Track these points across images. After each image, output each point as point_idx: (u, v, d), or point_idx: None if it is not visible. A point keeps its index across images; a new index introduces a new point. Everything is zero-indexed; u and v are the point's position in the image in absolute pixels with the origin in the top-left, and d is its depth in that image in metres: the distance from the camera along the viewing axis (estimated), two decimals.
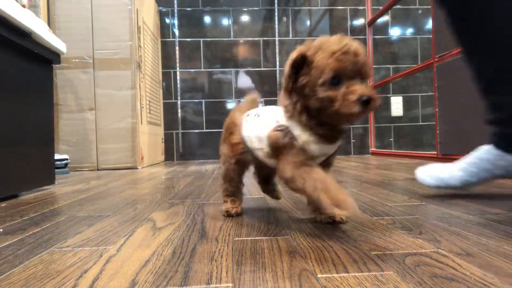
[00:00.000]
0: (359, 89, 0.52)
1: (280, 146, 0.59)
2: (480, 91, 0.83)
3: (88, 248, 0.53)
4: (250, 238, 0.55)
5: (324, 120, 0.56)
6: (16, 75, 1.09)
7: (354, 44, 0.53)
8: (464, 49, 0.84)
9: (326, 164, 0.62)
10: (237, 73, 2.98)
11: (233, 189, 0.75)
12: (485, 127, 0.88)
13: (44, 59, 1.25)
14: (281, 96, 0.60)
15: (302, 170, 0.55)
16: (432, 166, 0.90)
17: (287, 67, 0.55)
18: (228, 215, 0.73)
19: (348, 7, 2.99)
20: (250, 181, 1.31)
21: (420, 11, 3.06)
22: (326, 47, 0.53)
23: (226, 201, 0.76)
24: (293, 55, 0.55)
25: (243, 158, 0.71)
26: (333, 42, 0.54)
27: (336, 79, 0.52)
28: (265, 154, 0.63)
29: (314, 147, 0.57)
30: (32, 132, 1.18)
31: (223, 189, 0.77)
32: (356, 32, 2.99)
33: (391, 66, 3.06)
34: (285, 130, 0.58)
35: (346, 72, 0.52)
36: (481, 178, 0.83)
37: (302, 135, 0.57)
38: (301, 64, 0.55)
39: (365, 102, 0.52)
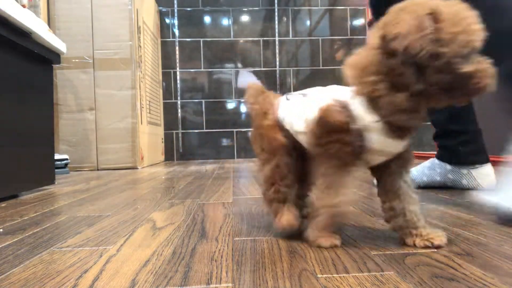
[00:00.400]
0: (487, 64, 0.44)
1: (329, 129, 0.47)
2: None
3: (88, 248, 0.53)
4: (250, 238, 0.55)
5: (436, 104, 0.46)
6: (16, 75, 1.09)
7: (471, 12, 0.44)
8: None
9: (388, 171, 0.51)
10: (237, 73, 2.98)
11: (286, 189, 0.56)
12: (485, 127, 0.99)
13: (44, 59, 1.25)
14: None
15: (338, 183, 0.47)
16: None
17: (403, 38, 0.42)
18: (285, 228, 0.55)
19: (348, 7, 2.99)
20: (250, 181, 1.31)
21: None
22: (451, 15, 0.42)
23: (278, 211, 0.56)
24: (424, 15, 0.42)
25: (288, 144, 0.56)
26: (456, 7, 0.43)
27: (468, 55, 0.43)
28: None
29: (377, 138, 0.46)
30: (32, 132, 1.18)
31: (270, 196, 0.57)
32: (356, 32, 2.99)
33: None
34: (343, 106, 0.47)
35: (478, 48, 0.43)
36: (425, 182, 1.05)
37: (365, 117, 0.46)
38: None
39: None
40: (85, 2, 2.15)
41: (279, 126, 0.57)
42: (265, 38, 2.99)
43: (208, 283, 0.39)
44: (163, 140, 2.89)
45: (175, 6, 2.92)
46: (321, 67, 3.00)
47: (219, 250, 0.50)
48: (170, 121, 2.92)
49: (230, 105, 2.97)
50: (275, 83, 2.99)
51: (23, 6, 1.20)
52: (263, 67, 2.99)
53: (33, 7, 1.46)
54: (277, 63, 2.99)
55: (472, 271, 0.39)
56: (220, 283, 0.38)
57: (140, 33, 2.28)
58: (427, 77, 0.43)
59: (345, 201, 0.48)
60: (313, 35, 3.02)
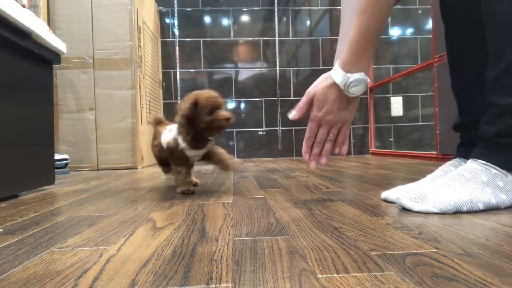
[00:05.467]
0: (225, 113, 0.99)
1: (169, 150, 1.08)
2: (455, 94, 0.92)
3: (88, 248, 0.53)
4: (250, 238, 0.55)
5: (198, 137, 1.03)
6: (16, 75, 1.09)
7: (213, 93, 1.02)
8: (448, 52, 0.93)
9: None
10: (237, 73, 2.98)
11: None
12: None
13: (44, 59, 1.25)
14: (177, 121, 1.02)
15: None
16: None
17: (187, 104, 0.99)
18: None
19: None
20: (250, 181, 1.31)
21: (420, 11, 3.06)
22: (200, 97, 1.00)
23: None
24: (191, 98, 1.01)
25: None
26: (202, 95, 1.00)
27: (211, 111, 0.99)
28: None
29: (189, 151, 1.05)
30: (32, 132, 1.18)
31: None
32: None
33: (391, 66, 3.06)
34: (175, 139, 1.06)
35: (216, 106, 0.99)
36: None
37: (182, 144, 1.04)
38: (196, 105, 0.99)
39: (228, 119, 0.99)
40: (85, 2, 2.15)
41: (161, 146, 1.14)
42: (265, 38, 2.99)
43: (208, 283, 0.39)
44: None
45: (175, 6, 2.92)
46: (321, 67, 3.00)
47: (219, 250, 0.50)
48: (170, 121, 2.92)
49: (230, 105, 2.97)
50: (275, 83, 2.99)
51: (23, 6, 1.20)
52: (263, 67, 2.99)
53: (33, 7, 1.46)
54: (277, 63, 2.99)
55: (472, 271, 0.39)
56: (220, 283, 0.38)
57: (140, 33, 2.28)
58: (196, 125, 1.00)
59: (180, 177, 1.07)
60: (313, 35, 3.02)
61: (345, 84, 0.77)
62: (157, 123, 1.28)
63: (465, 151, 0.85)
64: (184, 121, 1.00)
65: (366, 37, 0.76)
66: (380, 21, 0.76)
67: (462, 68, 0.89)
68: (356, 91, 0.78)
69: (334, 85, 0.79)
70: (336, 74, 0.79)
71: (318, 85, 0.81)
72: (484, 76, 0.76)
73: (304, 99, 0.83)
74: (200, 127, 0.99)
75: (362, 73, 0.77)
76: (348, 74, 0.77)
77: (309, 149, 0.85)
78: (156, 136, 1.21)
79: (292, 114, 0.83)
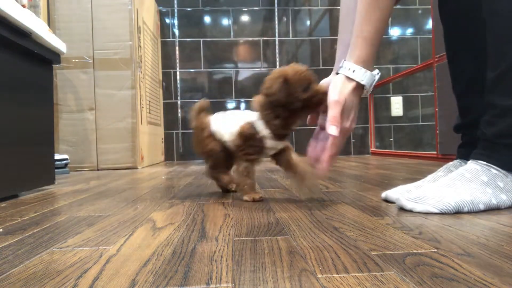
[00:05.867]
0: (319, 86, 0.82)
1: (244, 138, 0.87)
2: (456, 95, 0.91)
3: (88, 248, 0.53)
4: (250, 238, 0.55)
5: (288, 122, 0.84)
6: (16, 75, 1.09)
7: (302, 67, 0.81)
8: (448, 54, 0.92)
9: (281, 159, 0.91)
10: (237, 73, 2.98)
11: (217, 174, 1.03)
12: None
13: (44, 59, 1.25)
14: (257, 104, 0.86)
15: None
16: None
17: (276, 83, 0.80)
18: None
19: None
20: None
21: (420, 11, 3.06)
22: (290, 74, 0.80)
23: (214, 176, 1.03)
24: (281, 76, 0.80)
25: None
26: (292, 69, 0.81)
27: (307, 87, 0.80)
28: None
29: (269, 142, 0.86)
30: (32, 132, 1.18)
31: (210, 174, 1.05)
32: None
33: (391, 66, 3.06)
34: (252, 125, 0.86)
35: (308, 83, 0.81)
36: None
37: (263, 131, 0.85)
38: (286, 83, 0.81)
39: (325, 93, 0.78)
40: (85, 2, 2.15)
41: (212, 136, 0.95)
42: (265, 38, 2.99)
43: (208, 283, 0.39)
44: (163, 140, 2.89)
45: (175, 6, 2.92)
46: (321, 67, 3.00)
47: (219, 250, 0.50)
48: (170, 121, 2.92)
49: (230, 105, 2.97)
50: None
51: (23, 6, 1.20)
52: (263, 67, 2.99)
53: (33, 7, 1.46)
54: (277, 63, 2.99)
55: (472, 271, 0.39)
56: (220, 283, 0.38)
57: (140, 33, 2.28)
58: (290, 105, 0.81)
59: (246, 180, 0.89)
60: (313, 35, 3.02)
61: (372, 83, 0.74)
62: (201, 111, 1.02)
63: (466, 152, 0.84)
64: (272, 103, 0.81)
65: (381, 31, 0.74)
66: (390, 12, 0.74)
67: (462, 69, 0.89)
68: (371, 90, 0.76)
69: (358, 87, 0.74)
70: (360, 75, 0.73)
71: (343, 91, 0.73)
72: (484, 77, 0.76)
73: (337, 110, 0.73)
74: (296, 106, 0.80)
75: (377, 71, 0.76)
76: (374, 72, 0.74)
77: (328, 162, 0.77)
78: (203, 126, 0.97)
79: (335, 131, 0.72)
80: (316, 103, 0.80)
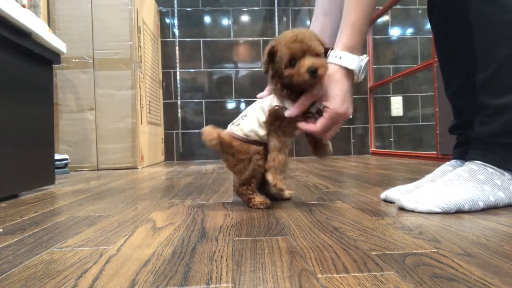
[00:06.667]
0: (307, 62, 0.70)
1: (276, 117, 0.77)
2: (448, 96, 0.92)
3: (88, 248, 0.53)
4: (250, 238, 0.55)
5: (297, 90, 0.75)
6: (16, 75, 1.09)
7: (299, 34, 0.71)
8: (439, 58, 0.93)
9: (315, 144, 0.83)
10: (237, 73, 2.98)
11: (254, 185, 0.83)
12: None
13: (44, 59, 1.25)
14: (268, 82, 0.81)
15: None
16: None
17: (264, 56, 0.76)
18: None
19: None
20: None
21: (420, 11, 3.06)
22: (282, 40, 0.73)
23: (250, 198, 0.82)
24: (267, 48, 0.75)
25: None
26: (284, 36, 0.73)
27: (293, 61, 0.71)
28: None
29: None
30: (32, 132, 1.18)
31: (241, 191, 0.83)
32: None
33: (391, 66, 3.06)
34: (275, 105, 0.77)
35: (297, 54, 0.71)
36: None
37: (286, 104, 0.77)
38: (273, 55, 0.75)
39: (312, 71, 0.69)
40: (85, 2, 2.15)
41: (245, 140, 0.80)
42: (265, 38, 2.99)
43: (208, 283, 0.39)
44: (163, 140, 2.89)
45: (175, 6, 2.92)
46: None
47: (219, 250, 0.50)
48: (170, 121, 2.92)
49: (230, 105, 2.97)
50: None
51: (23, 6, 1.20)
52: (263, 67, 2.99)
53: (33, 7, 1.46)
54: None
55: (472, 271, 0.39)
56: (220, 283, 0.38)
57: (140, 33, 2.28)
58: (281, 79, 0.75)
59: (285, 159, 0.77)
60: None
61: (360, 69, 0.74)
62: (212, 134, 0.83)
63: (461, 153, 0.86)
64: (268, 75, 0.78)
65: (369, 17, 0.75)
66: None
67: (453, 72, 0.90)
68: (363, 76, 0.76)
69: (348, 73, 0.74)
70: (348, 60, 0.73)
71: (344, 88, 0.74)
72: (475, 78, 0.77)
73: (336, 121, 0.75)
74: (285, 82, 0.75)
75: (366, 55, 0.76)
76: (361, 56, 0.74)
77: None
78: (227, 140, 0.81)
79: (291, 112, 0.75)
80: (297, 83, 0.72)
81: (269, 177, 0.77)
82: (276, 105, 0.77)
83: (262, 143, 0.80)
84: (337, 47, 0.75)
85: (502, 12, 0.71)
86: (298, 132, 0.78)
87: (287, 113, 0.75)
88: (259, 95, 0.83)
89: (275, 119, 0.77)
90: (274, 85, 0.77)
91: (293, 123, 0.77)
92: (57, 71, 2.11)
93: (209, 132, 0.81)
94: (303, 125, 0.76)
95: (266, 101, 0.79)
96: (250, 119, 0.80)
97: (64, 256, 0.49)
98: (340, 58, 0.74)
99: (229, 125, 0.83)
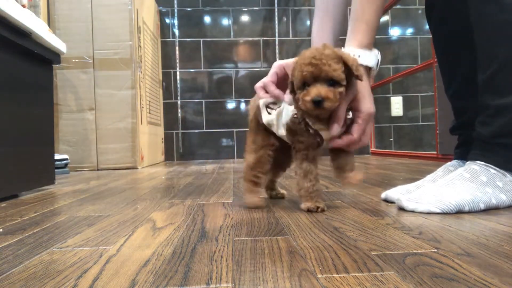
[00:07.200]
0: (314, 91, 0.64)
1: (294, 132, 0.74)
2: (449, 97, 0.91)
3: (88, 248, 0.53)
4: (250, 238, 0.55)
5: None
6: (16, 75, 1.09)
7: (316, 55, 0.64)
8: (438, 58, 0.93)
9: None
10: (237, 73, 2.98)
11: (261, 175, 0.81)
12: None
13: (44, 59, 1.25)
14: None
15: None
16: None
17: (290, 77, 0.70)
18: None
19: (349, 7, 2.98)
20: None
21: (420, 11, 3.06)
22: (300, 59, 0.67)
23: (249, 191, 0.81)
24: (292, 65, 0.69)
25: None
26: (302, 55, 0.67)
27: (305, 85, 0.66)
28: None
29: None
30: (32, 132, 1.18)
31: (248, 177, 0.82)
32: None
33: (391, 66, 3.06)
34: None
35: (308, 79, 0.65)
36: None
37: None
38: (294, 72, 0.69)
39: (316, 102, 0.64)
40: (85, 2, 2.15)
41: (267, 129, 0.79)
42: (265, 38, 2.99)
43: (208, 283, 0.39)
44: (163, 140, 2.89)
45: (175, 6, 2.92)
46: None
47: (219, 250, 0.50)
48: (170, 121, 2.92)
49: (230, 105, 2.97)
50: None
51: (23, 6, 1.20)
52: (263, 67, 2.99)
53: (33, 7, 1.46)
54: None
55: (472, 271, 0.39)
56: (220, 283, 0.38)
57: (140, 33, 2.28)
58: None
59: (312, 184, 0.73)
60: None
61: (377, 63, 0.74)
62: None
63: (462, 153, 0.85)
64: (291, 93, 0.72)
65: (381, 15, 0.75)
66: None
67: (453, 72, 0.90)
68: (377, 70, 0.76)
69: (366, 70, 0.73)
70: (367, 58, 0.72)
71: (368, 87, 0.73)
72: (475, 78, 0.77)
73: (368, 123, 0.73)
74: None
75: (377, 49, 0.76)
76: (375, 52, 0.74)
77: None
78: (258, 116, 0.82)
79: (333, 130, 0.70)
80: (303, 110, 0.68)
81: (302, 205, 0.75)
82: (295, 115, 0.72)
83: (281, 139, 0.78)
84: (352, 45, 0.73)
85: (502, 12, 0.70)
86: (326, 144, 0.72)
87: (333, 131, 0.69)
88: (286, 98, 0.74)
89: (295, 134, 0.73)
90: (295, 102, 0.71)
91: (309, 137, 0.72)
92: (57, 71, 2.11)
93: (253, 101, 0.85)
94: (340, 142, 0.71)
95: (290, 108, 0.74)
96: (275, 116, 0.77)
97: (64, 256, 0.49)
98: (359, 56, 0.72)
99: (262, 102, 0.80)
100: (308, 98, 0.64)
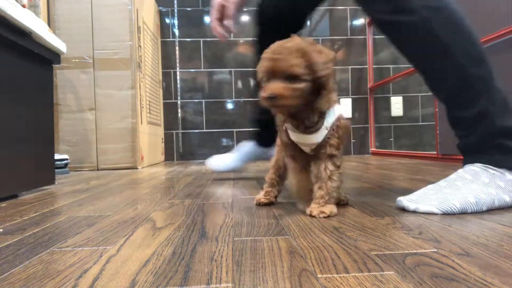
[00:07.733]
0: (269, 87, 0.62)
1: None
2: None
3: (88, 248, 0.53)
4: (250, 238, 0.55)
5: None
6: (16, 75, 1.09)
7: (277, 49, 0.63)
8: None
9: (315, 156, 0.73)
10: (237, 73, 2.98)
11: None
12: None
13: (44, 59, 1.25)
14: None
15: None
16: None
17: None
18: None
19: (348, 7, 2.99)
20: (250, 181, 1.31)
21: None
22: (264, 53, 0.65)
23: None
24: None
25: None
26: (267, 49, 0.65)
27: (265, 81, 0.64)
28: None
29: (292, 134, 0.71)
30: (32, 132, 1.18)
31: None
32: (356, 32, 2.99)
33: (391, 66, 3.06)
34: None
35: (266, 74, 0.63)
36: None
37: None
38: None
39: (270, 98, 0.61)
40: (85, 2, 2.15)
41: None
42: None
43: (208, 283, 0.39)
44: (163, 140, 2.89)
45: (175, 6, 2.92)
46: None
47: (219, 250, 0.50)
48: (170, 121, 2.92)
49: (230, 105, 2.97)
50: None
51: (23, 6, 1.20)
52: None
53: (33, 7, 1.46)
54: None
55: (472, 271, 0.39)
56: (220, 283, 0.38)
57: (140, 33, 2.28)
58: None
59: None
60: (313, 35, 3.02)
61: None
62: None
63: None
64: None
65: None
66: None
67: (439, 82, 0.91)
68: None
69: None
70: None
71: None
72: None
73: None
74: None
75: None
76: None
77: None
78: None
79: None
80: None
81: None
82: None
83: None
84: None
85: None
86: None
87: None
88: None
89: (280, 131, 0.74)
90: None
91: (287, 145, 0.73)
92: (57, 71, 2.11)
93: None
94: None
95: None
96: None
97: (64, 256, 0.49)
98: None
99: None
100: (263, 94, 0.62)
